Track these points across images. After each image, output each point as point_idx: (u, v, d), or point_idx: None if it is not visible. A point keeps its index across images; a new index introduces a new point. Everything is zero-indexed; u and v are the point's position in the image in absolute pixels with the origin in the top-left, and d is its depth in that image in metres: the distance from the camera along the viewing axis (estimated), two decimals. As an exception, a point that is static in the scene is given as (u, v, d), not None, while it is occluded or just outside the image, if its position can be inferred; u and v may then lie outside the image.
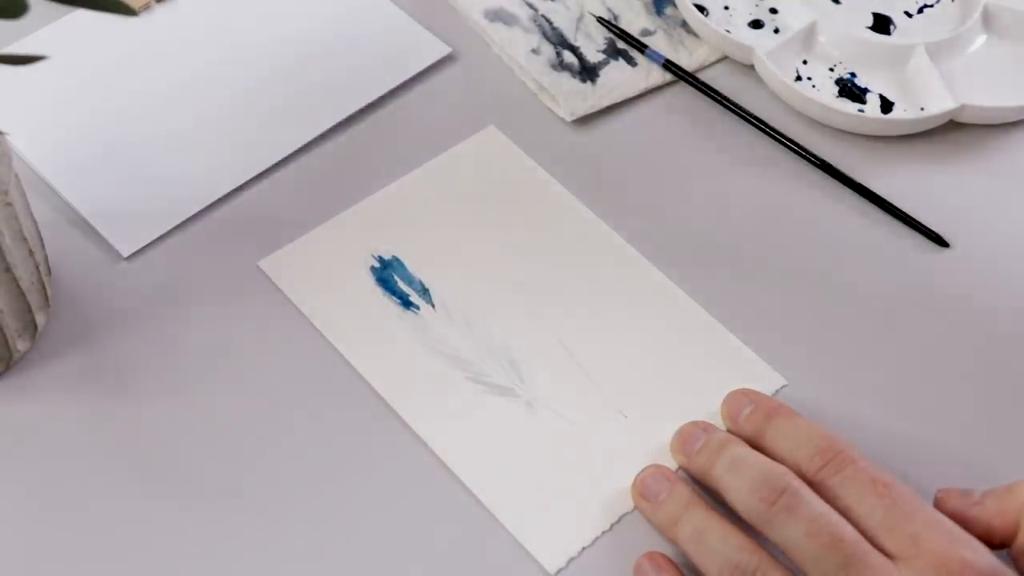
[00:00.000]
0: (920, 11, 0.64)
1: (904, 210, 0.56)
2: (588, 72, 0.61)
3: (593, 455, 0.48)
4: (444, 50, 0.61)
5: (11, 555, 0.45)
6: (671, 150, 0.58)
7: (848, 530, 0.41)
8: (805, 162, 0.58)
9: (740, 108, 0.60)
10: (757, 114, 0.59)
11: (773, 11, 0.63)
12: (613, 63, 0.62)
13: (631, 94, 0.60)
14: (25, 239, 0.46)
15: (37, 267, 0.48)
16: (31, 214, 0.48)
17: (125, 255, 0.53)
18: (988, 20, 0.63)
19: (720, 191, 0.57)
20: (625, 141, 0.59)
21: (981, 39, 0.62)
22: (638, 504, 0.46)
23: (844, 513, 0.42)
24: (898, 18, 0.63)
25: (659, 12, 0.64)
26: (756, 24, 0.63)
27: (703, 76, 0.62)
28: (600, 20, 0.63)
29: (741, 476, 0.44)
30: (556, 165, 0.57)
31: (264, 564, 0.45)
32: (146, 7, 0.62)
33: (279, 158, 0.57)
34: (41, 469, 0.47)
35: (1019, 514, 0.43)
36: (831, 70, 0.61)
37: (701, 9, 0.62)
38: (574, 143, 0.58)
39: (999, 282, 0.54)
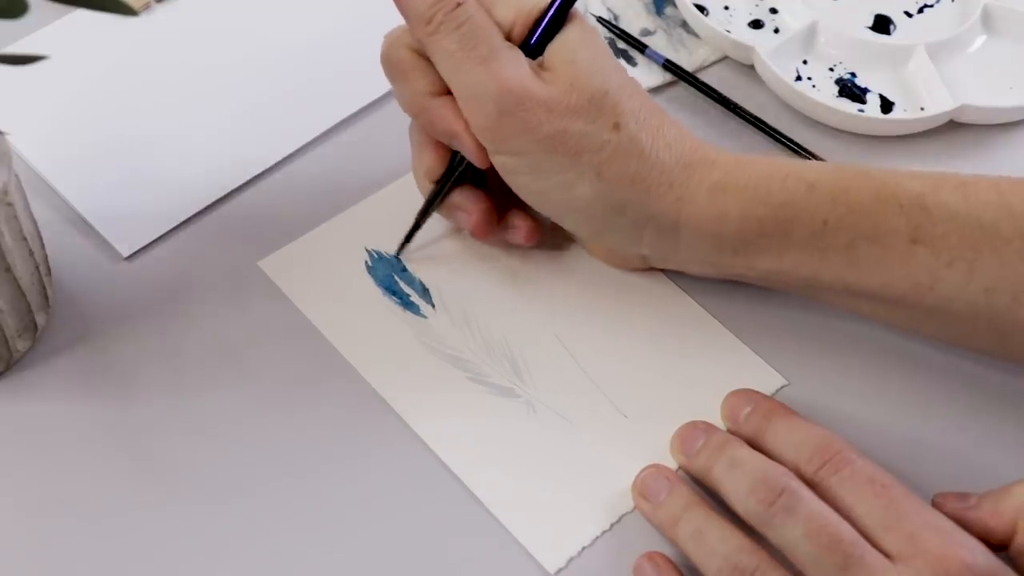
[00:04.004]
0: (920, 11, 0.64)
1: (904, 210, 0.56)
2: (588, 72, 0.61)
3: (593, 455, 0.48)
4: (444, 50, 0.61)
5: (12, 554, 0.45)
6: (671, 150, 0.58)
7: (847, 530, 0.41)
8: (805, 162, 0.58)
9: (740, 108, 0.60)
10: (757, 114, 0.59)
11: (773, 11, 0.63)
12: (613, 63, 0.62)
13: (631, 94, 0.60)
14: (25, 239, 0.46)
15: (37, 267, 0.48)
16: (31, 214, 0.48)
17: (125, 255, 0.53)
18: (988, 20, 0.62)
19: (720, 191, 0.57)
20: (625, 141, 0.58)
21: (981, 39, 0.62)
22: (638, 504, 0.46)
23: (843, 513, 0.42)
24: (898, 18, 0.63)
25: (659, 12, 0.64)
26: (756, 24, 0.63)
27: (703, 76, 0.62)
28: (600, 20, 0.63)
29: (740, 477, 0.44)
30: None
31: (264, 563, 0.45)
32: (146, 7, 0.62)
33: (280, 158, 0.57)
34: (41, 469, 0.47)
35: (1016, 514, 0.43)
36: (831, 70, 0.61)
37: (701, 9, 0.62)
38: (574, 143, 0.58)
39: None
